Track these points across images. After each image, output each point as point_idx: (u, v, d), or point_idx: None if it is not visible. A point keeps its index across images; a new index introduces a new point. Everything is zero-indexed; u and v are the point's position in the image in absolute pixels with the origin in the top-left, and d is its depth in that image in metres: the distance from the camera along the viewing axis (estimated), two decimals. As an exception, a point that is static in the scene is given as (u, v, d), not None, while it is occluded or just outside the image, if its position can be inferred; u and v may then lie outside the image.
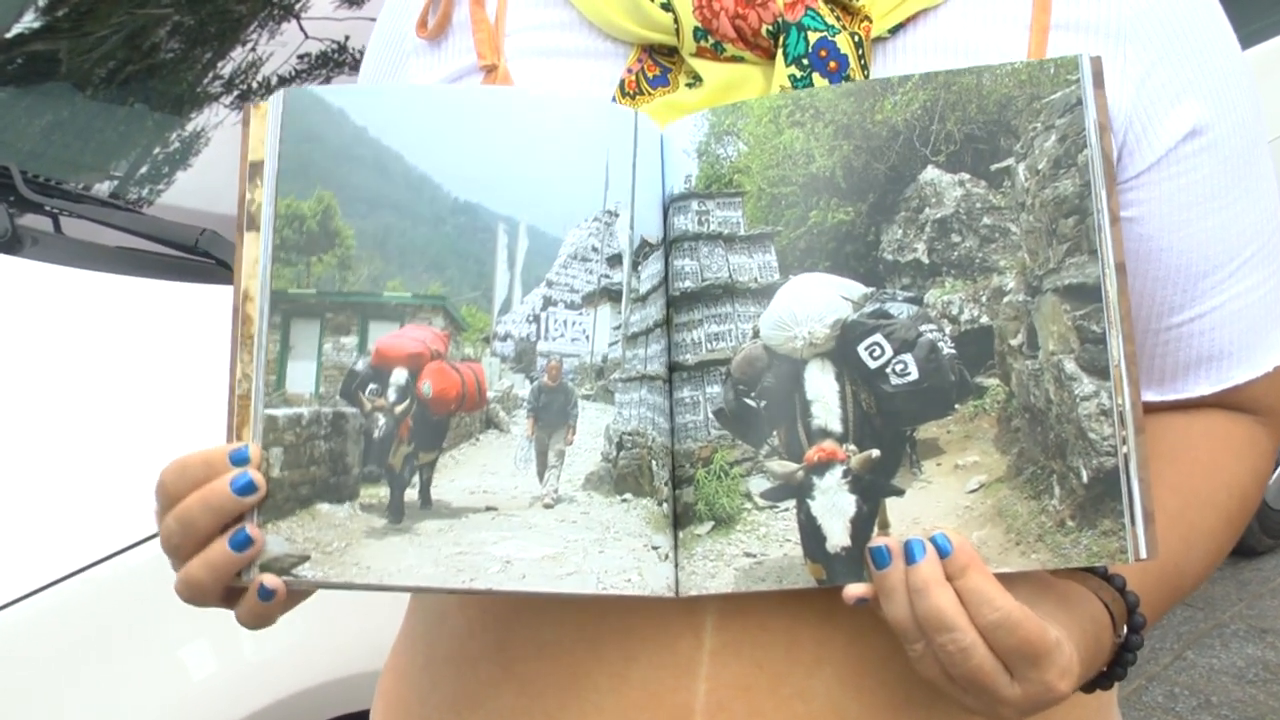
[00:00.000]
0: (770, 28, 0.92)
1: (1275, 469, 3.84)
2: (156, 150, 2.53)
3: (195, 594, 0.88)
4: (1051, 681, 0.82)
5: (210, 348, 1.95)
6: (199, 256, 2.14)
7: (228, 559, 0.86)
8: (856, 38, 0.92)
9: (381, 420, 0.88)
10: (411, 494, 0.88)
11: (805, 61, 0.91)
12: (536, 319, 0.88)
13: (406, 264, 0.89)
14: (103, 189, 2.44)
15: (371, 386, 0.88)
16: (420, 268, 0.89)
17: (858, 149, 0.88)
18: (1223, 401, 1.02)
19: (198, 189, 2.37)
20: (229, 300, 2.02)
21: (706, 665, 0.95)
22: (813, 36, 0.91)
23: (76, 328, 2.08)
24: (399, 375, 0.88)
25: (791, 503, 0.85)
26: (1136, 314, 0.99)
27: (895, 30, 0.94)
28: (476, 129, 0.89)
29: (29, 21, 2.97)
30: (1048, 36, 0.93)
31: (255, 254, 0.89)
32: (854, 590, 0.83)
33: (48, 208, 2.33)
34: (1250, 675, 3.41)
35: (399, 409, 0.88)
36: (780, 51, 0.92)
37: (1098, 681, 0.93)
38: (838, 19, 0.92)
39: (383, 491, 0.87)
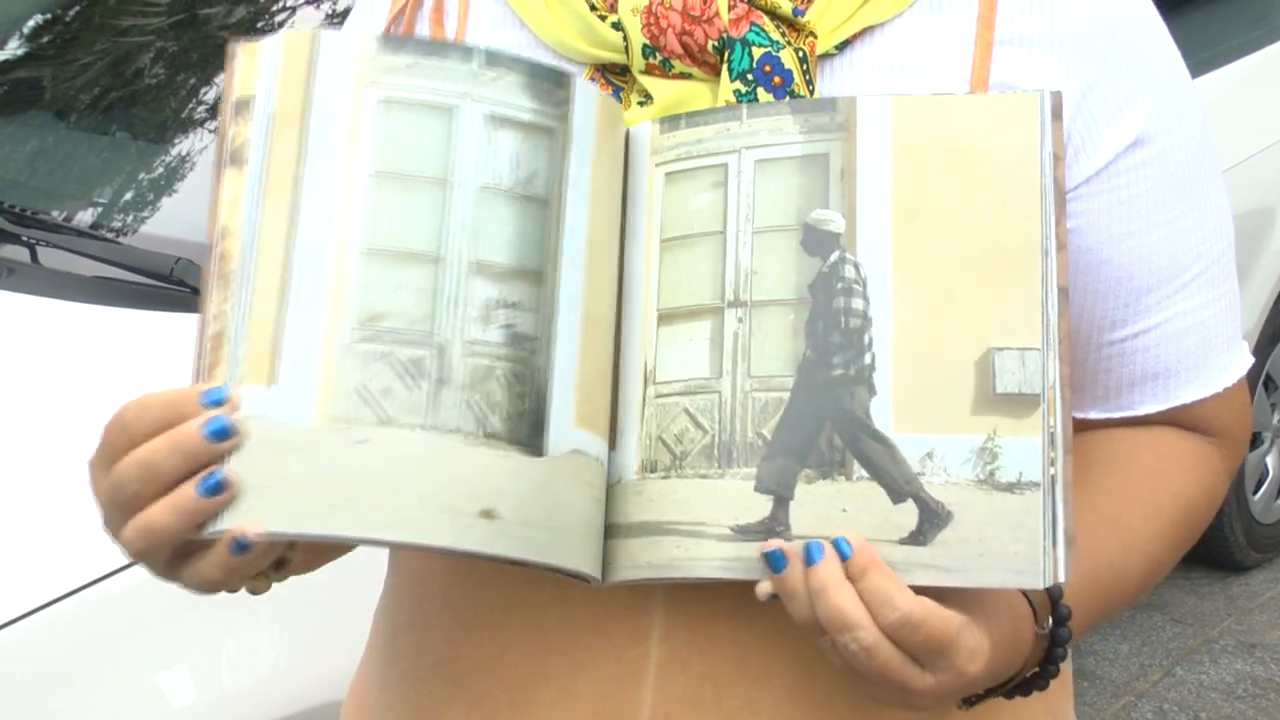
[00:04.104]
0: (716, 44, 0.93)
1: (1262, 486, 3.86)
2: (135, 179, 2.52)
3: (150, 544, 0.82)
4: (961, 665, 0.82)
5: (186, 377, 1.94)
6: (174, 285, 2.14)
7: (198, 505, 0.80)
8: (801, 53, 0.93)
9: None
10: None
11: (750, 77, 0.92)
12: None
13: None
14: (81, 218, 2.44)
15: None
16: None
17: None
18: (1173, 421, 1.02)
19: (175, 218, 2.37)
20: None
21: (653, 677, 0.95)
22: (757, 52, 0.92)
23: (54, 358, 2.08)
24: None
25: None
26: (1077, 328, 0.99)
27: (842, 47, 0.94)
28: None
29: (9, 50, 2.96)
30: (992, 52, 0.94)
31: (236, 191, 0.84)
32: (764, 587, 0.83)
33: (24, 238, 2.33)
34: (1239, 691, 3.40)
35: None
36: (725, 67, 0.93)
37: (1032, 682, 0.92)
38: (783, 35, 0.93)
39: None
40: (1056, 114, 0.84)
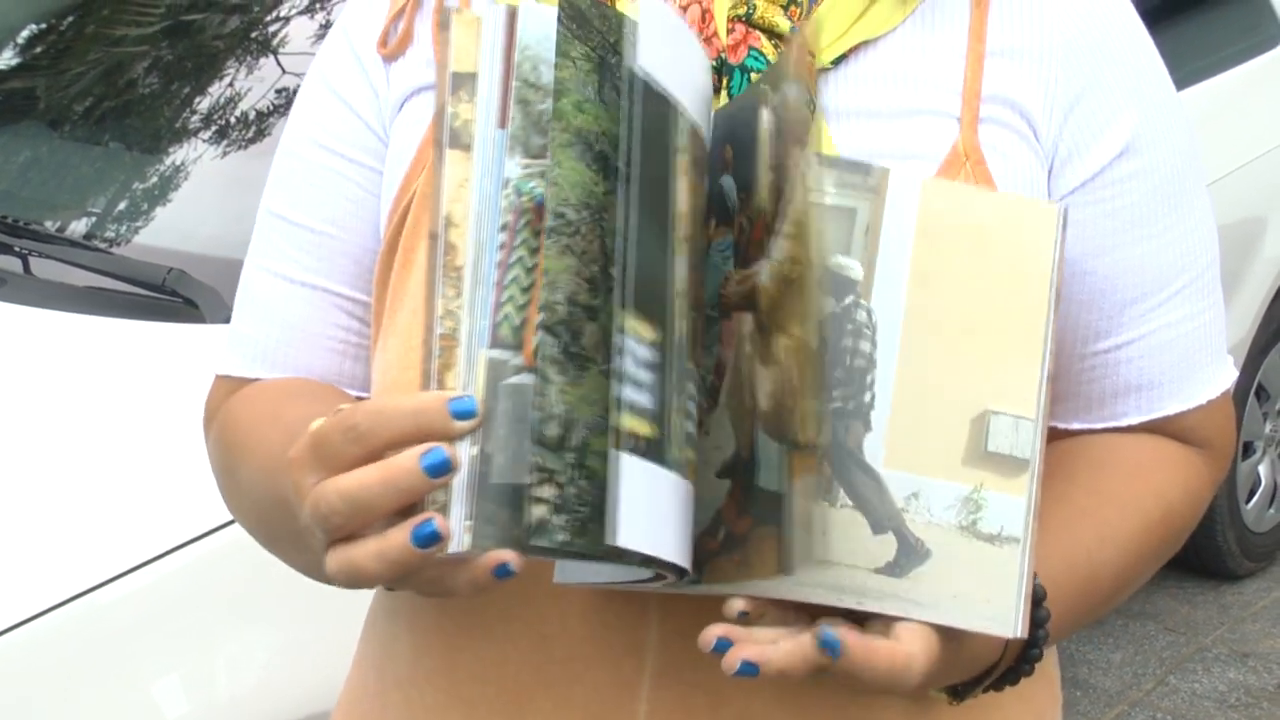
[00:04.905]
0: (714, 64, 0.93)
1: (1253, 496, 3.87)
2: (128, 189, 2.53)
3: (356, 582, 0.75)
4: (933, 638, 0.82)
5: (178, 386, 1.95)
6: (167, 295, 2.14)
7: (409, 556, 0.72)
8: None
9: None
10: None
11: None
12: None
13: None
14: (73, 228, 2.44)
15: None
16: None
17: None
18: (1157, 431, 1.03)
19: (168, 228, 2.37)
20: (198, 338, 2.04)
21: (648, 686, 0.96)
22: (755, 78, 0.92)
23: (46, 369, 2.08)
24: None
25: None
26: (1060, 338, 0.99)
27: (837, 62, 0.95)
28: None
29: (2, 60, 2.96)
30: (983, 64, 0.95)
31: (462, 175, 0.76)
32: (735, 604, 0.80)
33: (17, 248, 2.33)
34: (1233, 700, 3.40)
35: None
36: (725, 91, 0.93)
37: (1005, 677, 0.92)
38: (780, 54, 0.93)
39: None
40: (1064, 224, 0.86)
